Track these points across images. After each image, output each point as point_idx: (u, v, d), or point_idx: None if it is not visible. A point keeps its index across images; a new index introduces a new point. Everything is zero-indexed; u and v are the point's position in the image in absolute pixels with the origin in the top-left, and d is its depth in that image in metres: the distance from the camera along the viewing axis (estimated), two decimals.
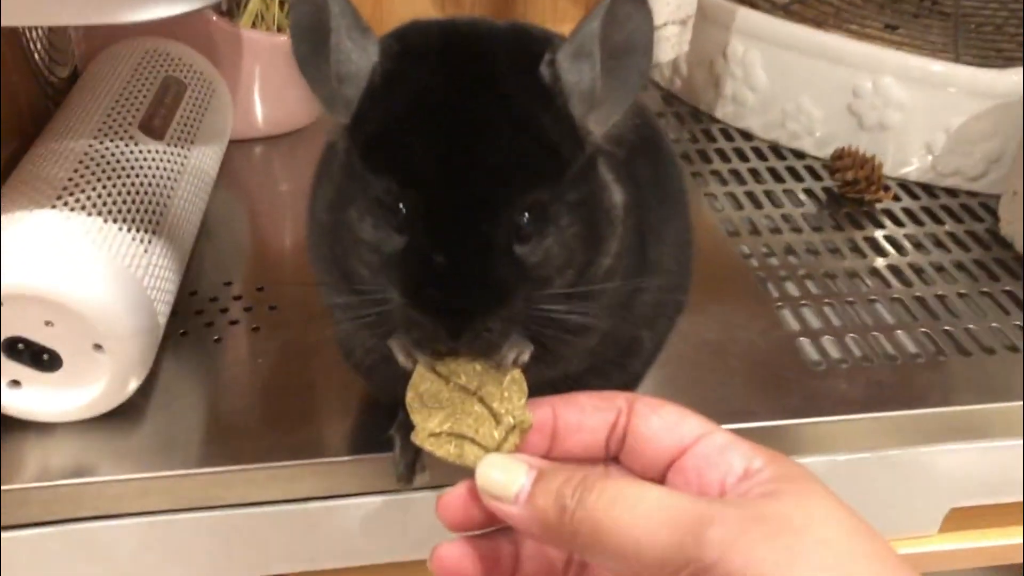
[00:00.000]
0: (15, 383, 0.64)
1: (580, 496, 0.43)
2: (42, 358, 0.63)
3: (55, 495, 0.63)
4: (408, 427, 0.64)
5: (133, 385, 0.66)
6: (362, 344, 0.58)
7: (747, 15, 1.03)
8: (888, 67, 0.95)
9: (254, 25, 1.01)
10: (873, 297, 0.83)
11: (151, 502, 0.64)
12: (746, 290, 0.84)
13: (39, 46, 0.90)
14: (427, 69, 0.45)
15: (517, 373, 0.49)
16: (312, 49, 0.46)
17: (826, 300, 0.82)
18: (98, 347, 0.63)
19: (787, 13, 1.07)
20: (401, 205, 0.44)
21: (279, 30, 1.02)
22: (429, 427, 0.49)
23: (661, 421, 0.48)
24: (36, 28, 0.90)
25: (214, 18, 0.93)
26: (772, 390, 0.72)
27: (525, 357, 0.49)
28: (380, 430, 0.64)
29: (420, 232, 0.44)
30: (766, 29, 1.02)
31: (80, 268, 0.61)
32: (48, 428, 0.66)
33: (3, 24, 0.53)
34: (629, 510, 0.42)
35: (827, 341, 0.78)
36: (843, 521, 0.41)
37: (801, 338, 0.78)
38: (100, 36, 0.92)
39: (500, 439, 0.48)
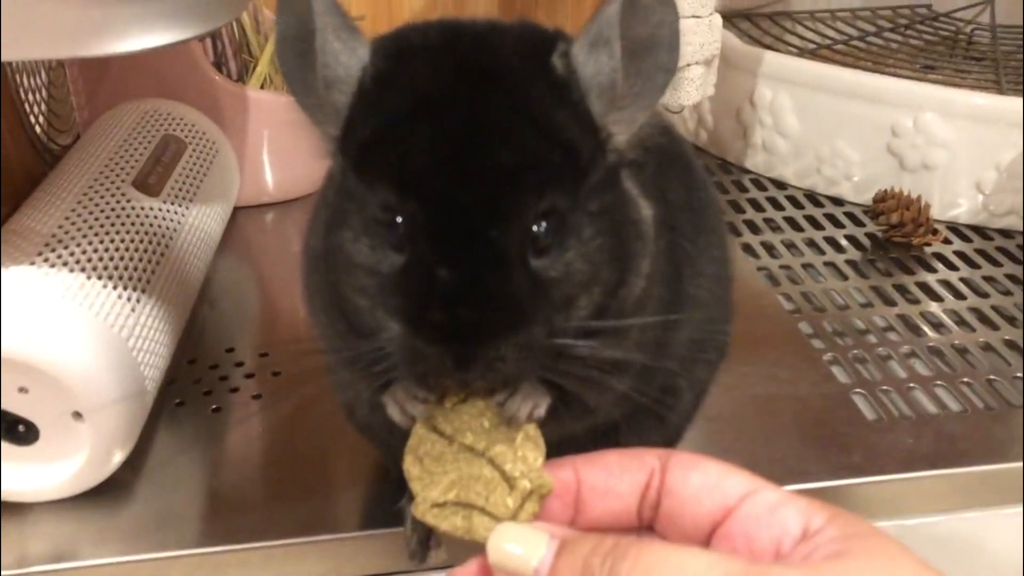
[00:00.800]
0: None
1: (612, 566, 0.36)
2: (17, 430, 0.58)
3: None
4: None
5: (118, 458, 0.60)
6: (363, 399, 0.52)
7: (774, 58, 0.98)
8: (929, 103, 0.89)
9: (263, 87, 0.97)
10: (933, 344, 0.76)
11: None
12: (791, 342, 0.77)
13: (38, 110, 0.86)
14: (424, 65, 0.39)
15: (532, 429, 0.42)
16: (299, 59, 0.41)
17: (879, 350, 0.75)
18: (78, 416, 0.57)
19: (815, 57, 1.02)
20: (399, 219, 0.38)
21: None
22: (432, 496, 0.42)
23: (701, 479, 0.41)
24: (36, 93, 0.87)
25: (216, 78, 0.89)
26: (828, 447, 0.65)
27: (541, 411, 0.42)
28: (391, 503, 0.58)
29: (421, 245, 0.37)
30: (795, 71, 0.97)
31: (57, 327, 0.55)
32: (24, 509, 0.60)
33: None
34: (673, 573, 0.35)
35: (884, 393, 0.70)
36: None
37: (856, 390, 0.70)
38: (102, 102, 0.88)
39: (515, 507, 0.41)
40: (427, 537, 0.56)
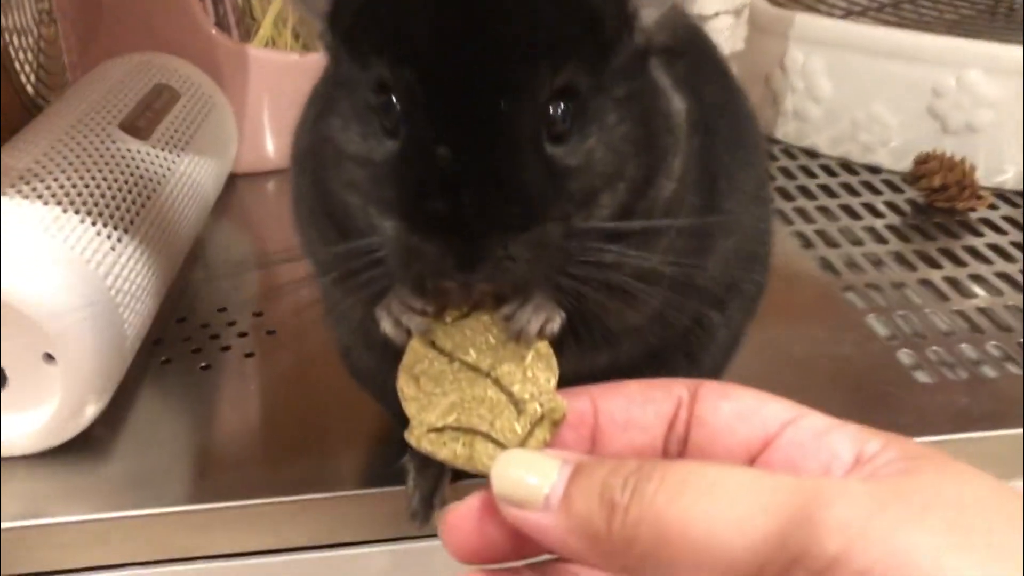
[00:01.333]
0: None
1: (636, 487, 0.30)
2: None
3: None
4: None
5: (92, 410, 0.54)
6: (356, 329, 0.47)
7: (805, 20, 0.93)
8: (974, 60, 0.84)
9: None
10: (983, 305, 0.70)
11: (109, 552, 0.52)
12: (828, 302, 0.71)
13: (29, 68, 0.82)
14: None
15: (544, 347, 0.37)
16: None
17: (925, 310, 0.69)
18: (49, 358, 0.52)
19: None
20: (394, 98, 0.33)
21: None
22: (428, 420, 0.36)
23: (735, 407, 0.35)
24: (27, 52, 0.83)
25: (214, 33, 0.85)
26: (874, 407, 0.59)
27: (555, 326, 0.36)
28: (393, 461, 0.52)
29: (418, 124, 0.32)
30: (828, 32, 0.91)
31: (28, 259, 0.50)
32: None
33: None
34: (707, 496, 0.29)
35: (934, 352, 0.64)
36: (1010, 499, 0.28)
37: (903, 350, 0.64)
38: (95, 59, 0.84)
39: (523, 433, 0.36)
40: (431, 495, 0.51)
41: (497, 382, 0.36)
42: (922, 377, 0.62)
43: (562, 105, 0.33)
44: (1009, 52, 0.83)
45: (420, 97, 0.32)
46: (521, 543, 0.34)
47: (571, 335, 0.38)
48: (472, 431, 0.36)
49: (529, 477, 0.33)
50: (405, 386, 0.37)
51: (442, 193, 0.31)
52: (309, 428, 0.58)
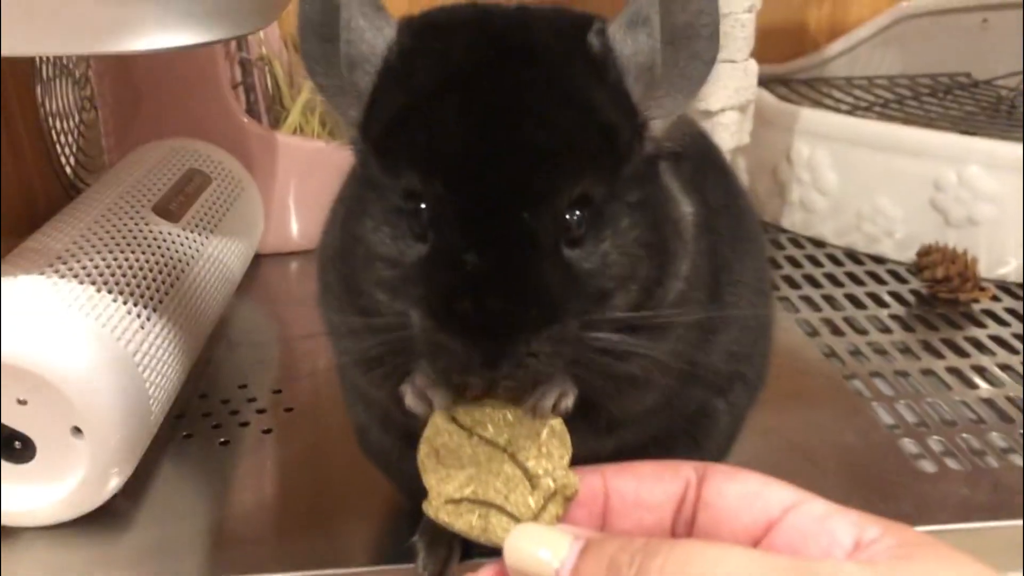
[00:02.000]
0: None
1: (641, 563, 0.32)
2: (13, 445, 0.55)
3: None
4: (434, 530, 0.54)
5: (116, 482, 0.56)
6: (376, 406, 0.49)
7: (811, 114, 0.96)
8: (973, 155, 0.87)
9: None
10: (986, 396, 0.71)
11: None
12: (832, 390, 0.73)
13: (69, 151, 0.87)
14: (454, 40, 0.38)
15: (558, 424, 0.39)
16: (321, 40, 0.39)
17: (928, 399, 0.71)
18: (77, 431, 0.54)
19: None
20: (423, 205, 0.36)
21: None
22: (446, 492, 0.38)
23: (740, 490, 0.37)
24: (68, 135, 0.87)
25: (246, 121, 0.89)
26: (875, 495, 0.60)
27: (569, 402, 0.39)
28: (404, 538, 0.54)
29: (446, 230, 0.35)
30: (834, 127, 0.95)
31: (61, 336, 0.53)
32: (16, 533, 0.56)
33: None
34: (708, 574, 0.30)
35: (936, 442, 0.65)
36: None
37: (905, 439, 0.66)
38: (132, 143, 0.88)
39: (536, 507, 0.38)
40: (441, 572, 0.52)
41: (513, 457, 0.38)
42: (924, 466, 0.63)
43: (578, 212, 0.35)
44: (1008, 149, 0.86)
45: (448, 206, 0.35)
46: None
47: (581, 419, 0.39)
48: (488, 504, 0.38)
49: (541, 551, 0.35)
50: (426, 458, 0.39)
51: (469, 296, 0.34)
52: (323, 505, 0.59)
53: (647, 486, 0.39)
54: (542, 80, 0.36)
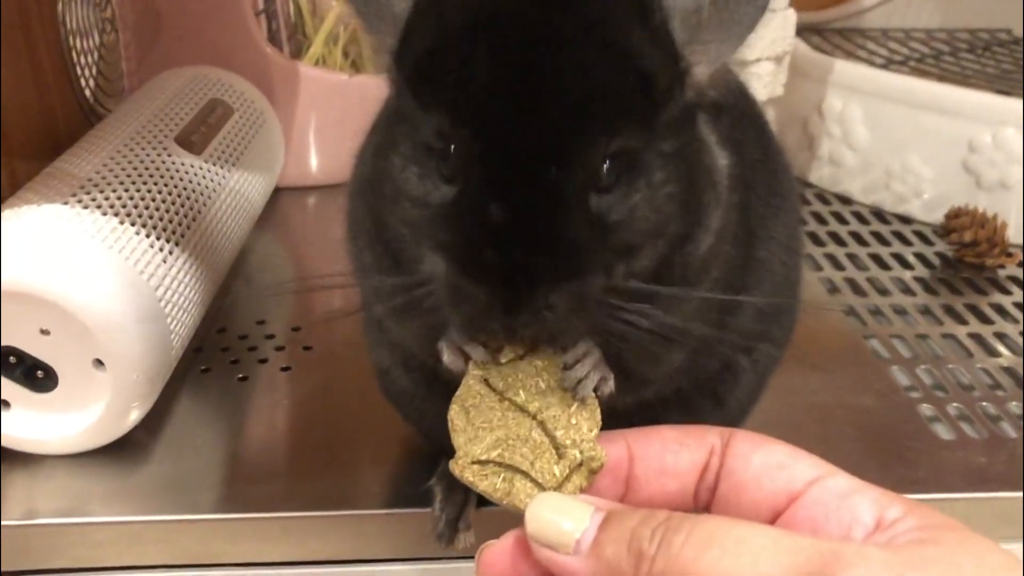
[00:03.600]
0: (4, 404, 0.55)
1: (664, 538, 0.32)
2: (35, 375, 0.55)
3: (27, 538, 0.53)
4: (451, 476, 0.54)
5: (136, 415, 0.57)
6: (400, 348, 0.49)
7: (845, 67, 0.94)
8: (1010, 117, 0.85)
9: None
10: (1008, 365, 0.70)
11: (142, 553, 0.54)
12: (853, 352, 0.72)
13: (89, 73, 0.85)
14: None
15: (591, 397, 0.39)
16: None
17: (950, 365, 0.70)
18: (99, 364, 0.54)
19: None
20: (452, 146, 0.35)
21: None
22: (474, 452, 0.38)
23: (764, 460, 0.37)
24: (88, 56, 0.86)
25: (268, 50, 0.87)
26: (891, 459, 0.60)
27: (609, 387, 0.39)
28: (420, 483, 0.54)
29: (473, 178, 0.34)
30: (868, 81, 0.93)
31: (85, 268, 0.53)
32: (35, 460, 0.57)
33: None
34: (731, 553, 0.31)
35: (955, 409, 0.65)
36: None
37: (924, 405, 0.65)
38: (152, 69, 0.87)
39: (561, 477, 0.38)
40: (456, 518, 0.52)
41: (542, 425, 0.38)
42: (941, 432, 0.63)
43: (608, 162, 0.34)
44: None
45: (476, 155, 0.34)
46: None
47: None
48: (513, 468, 0.38)
49: (562, 521, 0.35)
50: (456, 417, 0.39)
51: (492, 245, 0.33)
52: (340, 445, 0.60)
53: (672, 453, 0.39)
54: (580, 21, 0.34)
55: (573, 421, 0.38)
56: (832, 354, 0.72)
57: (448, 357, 0.39)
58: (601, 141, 0.34)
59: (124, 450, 0.58)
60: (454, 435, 0.39)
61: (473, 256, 0.34)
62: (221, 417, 0.62)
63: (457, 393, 0.39)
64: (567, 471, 0.37)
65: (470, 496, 0.53)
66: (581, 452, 0.37)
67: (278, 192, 0.91)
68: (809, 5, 1.11)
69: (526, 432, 0.38)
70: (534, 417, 0.38)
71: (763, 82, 0.82)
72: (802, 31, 1.08)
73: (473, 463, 0.38)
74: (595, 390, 0.38)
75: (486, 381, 0.39)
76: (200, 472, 0.57)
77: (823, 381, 0.68)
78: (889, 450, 0.61)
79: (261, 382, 0.66)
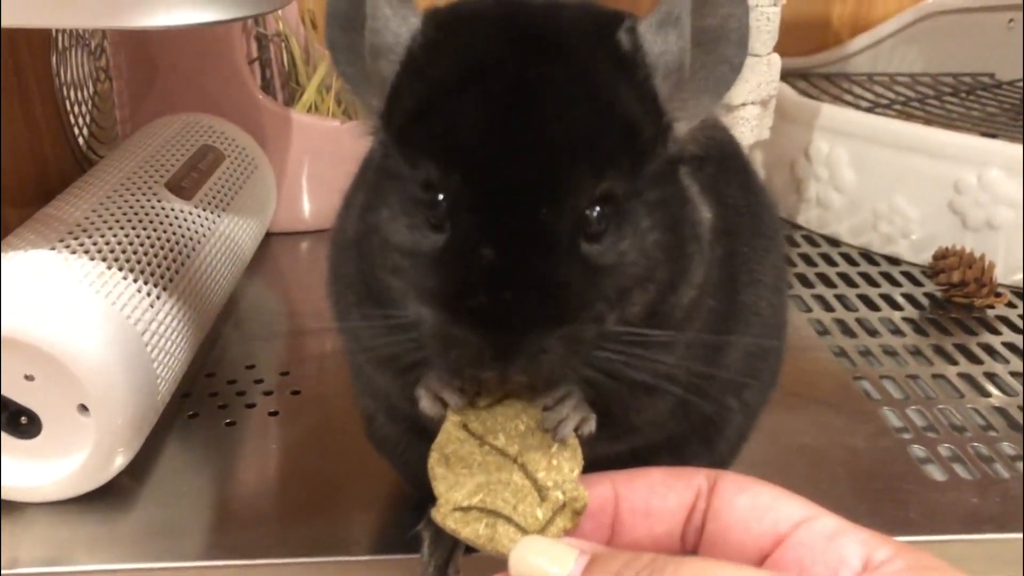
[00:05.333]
0: None
1: None
2: (19, 421, 0.54)
3: None
4: None
5: (120, 460, 0.56)
6: (382, 408, 0.49)
7: (831, 111, 0.95)
8: (995, 159, 0.85)
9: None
10: (999, 405, 0.70)
11: None
12: (843, 393, 0.72)
13: (83, 122, 0.86)
14: (478, 33, 0.37)
15: (571, 438, 0.38)
16: (346, 33, 0.39)
17: (940, 406, 0.70)
18: (83, 409, 0.54)
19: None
20: (441, 197, 0.35)
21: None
22: (455, 499, 0.38)
23: (751, 502, 0.37)
24: (82, 105, 0.86)
25: (260, 98, 0.88)
26: (883, 501, 0.60)
27: (590, 427, 0.39)
28: (408, 528, 0.53)
29: (463, 224, 0.34)
30: (853, 124, 0.94)
31: (70, 312, 0.53)
32: (19, 508, 0.56)
33: (3, 25, 0.47)
34: None
35: (947, 449, 0.65)
36: None
37: (915, 446, 0.65)
38: (145, 116, 0.88)
39: (544, 520, 0.37)
40: (445, 564, 0.52)
41: (523, 468, 0.38)
42: (933, 473, 0.62)
43: (599, 208, 0.35)
44: None
45: (466, 200, 0.34)
46: None
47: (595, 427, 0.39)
48: (496, 513, 0.37)
49: (547, 564, 0.34)
50: (436, 465, 0.38)
51: (484, 290, 0.33)
52: (328, 490, 0.59)
53: (658, 495, 0.38)
54: (566, 75, 0.35)
55: (554, 463, 0.37)
56: (822, 395, 0.72)
57: (426, 403, 0.39)
58: (588, 184, 0.34)
59: (109, 497, 0.57)
60: (435, 483, 0.38)
61: (464, 301, 0.34)
62: (208, 463, 0.62)
63: (436, 440, 0.39)
64: (550, 513, 0.37)
65: (458, 542, 0.53)
66: (563, 493, 0.37)
67: (270, 237, 0.92)
68: (794, 50, 1.13)
69: (507, 476, 0.38)
70: (515, 460, 0.38)
71: (749, 126, 0.83)
72: (788, 76, 1.10)
73: (455, 510, 0.38)
74: (576, 430, 0.38)
75: (465, 426, 0.39)
76: (187, 518, 0.57)
77: (813, 422, 0.68)
78: (880, 491, 0.61)
79: (249, 427, 0.65)
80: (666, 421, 0.44)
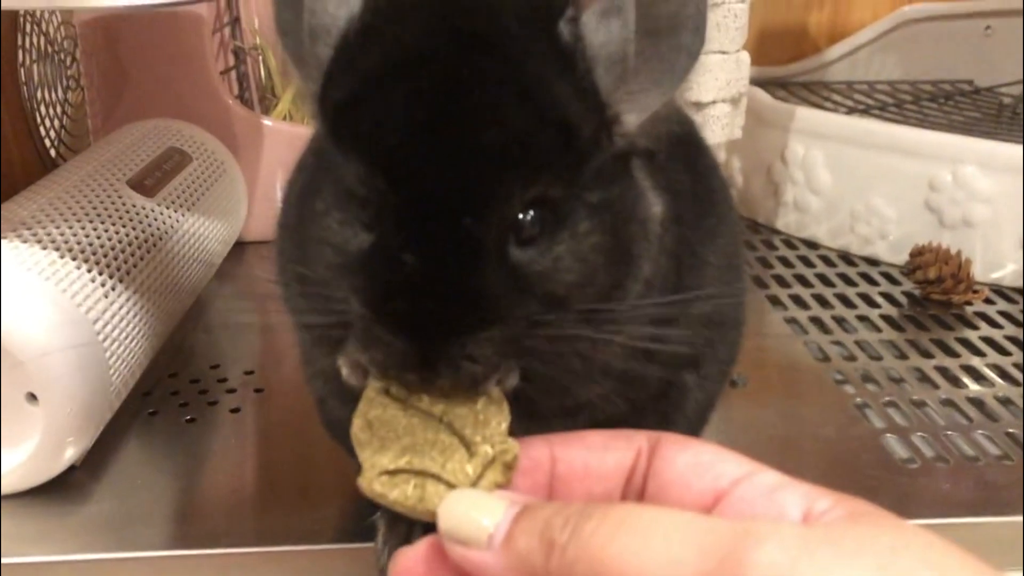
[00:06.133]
0: None
1: (575, 526, 0.31)
2: None
3: None
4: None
5: (71, 453, 0.55)
6: (332, 377, 0.48)
7: (806, 113, 0.95)
8: (969, 156, 0.85)
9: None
10: (974, 396, 0.69)
11: None
12: (817, 386, 0.71)
13: (50, 124, 0.86)
14: (411, 21, 0.35)
15: (495, 391, 0.37)
16: (292, 11, 0.37)
17: (914, 397, 0.69)
18: (31, 397, 0.52)
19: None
20: (368, 193, 0.34)
21: None
22: (381, 463, 0.36)
23: (691, 459, 0.36)
24: (52, 108, 0.86)
25: (231, 103, 0.88)
26: (855, 489, 0.57)
27: (513, 380, 0.37)
28: (366, 516, 0.52)
29: (388, 227, 0.34)
30: (828, 126, 0.93)
31: (16, 298, 0.52)
32: None
33: None
34: (642, 535, 0.29)
35: (920, 438, 0.64)
36: (946, 552, 0.29)
37: (888, 435, 0.64)
38: (117, 122, 0.87)
39: (474, 475, 0.36)
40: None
41: (450, 426, 0.37)
42: (905, 461, 0.61)
43: (532, 212, 0.34)
44: (1005, 149, 0.85)
45: (391, 203, 0.33)
46: None
47: (525, 407, 0.38)
48: (424, 473, 0.36)
49: (476, 516, 0.33)
50: (360, 432, 0.37)
51: (405, 296, 0.33)
52: (288, 483, 0.58)
53: (596, 455, 0.37)
54: (499, 72, 0.34)
55: (481, 418, 0.36)
56: (796, 389, 0.71)
57: (347, 371, 0.37)
58: (517, 191, 0.33)
59: (63, 491, 0.56)
60: (359, 450, 0.37)
61: (386, 304, 0.33)
62: (167, 458, 0.61)
63: (359, 407, 0.37)
64: (480, 469, 0.36)
65: (414, 528, 0.52)
66: (492, 447, 0.36)
67: (244, 246, 0.91)
68: (772, 59, 1.13)
69: (433, 435, 0.36)
70: (440, 419, 0.37)
71: (720, 124, 0.82)
72: (767, 85, 1.10)
73: (382, 474, 0.36)
74: (499, 383, 0.36)
75: (387, 391, 0.37)
76: (143, 511, 0.55)
77: (786, 414, 0.66)
78: (852, 479, 0.60)
79: (210, 424, 0.64)
80: (606, 401, 0.43)
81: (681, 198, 0.44)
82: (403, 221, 0.33)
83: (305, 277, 0.39)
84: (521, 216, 0.34)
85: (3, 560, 0.51)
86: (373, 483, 0.36)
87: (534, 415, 0.38)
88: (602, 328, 0.37)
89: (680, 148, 0.48)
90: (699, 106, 0.81)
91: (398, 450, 0.37)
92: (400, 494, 0.36)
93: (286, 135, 0.91)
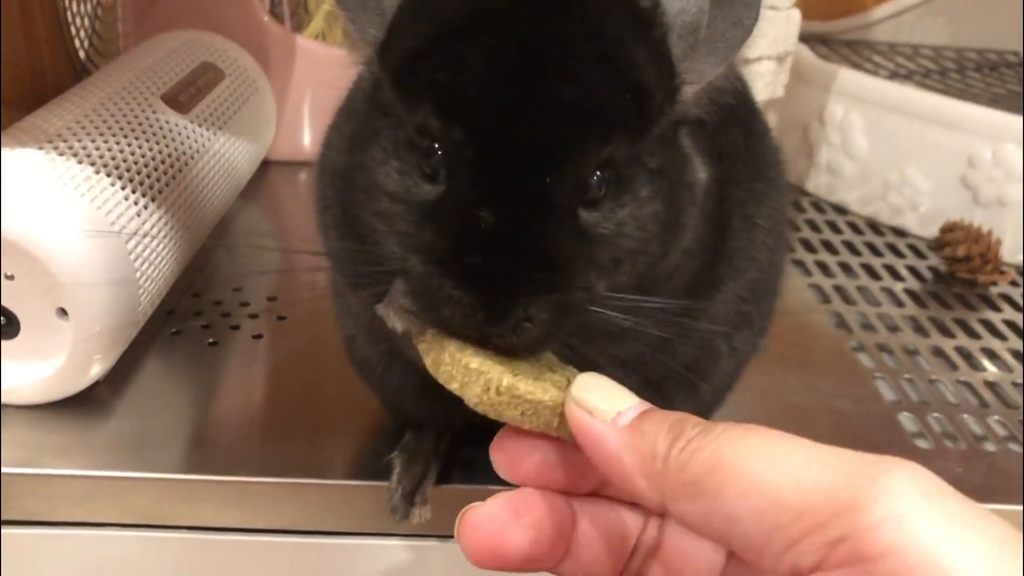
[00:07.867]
0: None
1: (706, 427, 0.31)
2: None
3: None
4: (412, 448, 0.53)
5: (97, 369, 0.55)
6: (362, 327, 0.48)
7: (848, 75, 0.93)
8: (1011, 134, 0.83)
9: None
10: (992, 380, 0.69)
11: (92, 510, 0.53)
12: (836, 357, 0.71)
13: (84, 34, 0.84)
14: None
15: (550, 355, 0.37)
16: None
17: (932, 376, 0.69)
18: (62, 312, 0.53)
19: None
20: (437, 146, 0.33)
21: None
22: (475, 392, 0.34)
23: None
24: (84, 18, 0.85)
25: (266, 19, 0.86)
26: None
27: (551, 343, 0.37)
28: (382, 454, 0.53)
29: (462, 181, 0.33)
30: (870, 90, 0.92)
31: (53, 213, 0.52)
32: None
33: None
34: (769, 442, 0.29)
35: (935, 419, 0.64)
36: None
37: (903, 412, 0.64)
38: (148, 32, 0.86)
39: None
40: (412, 493, 0.51)
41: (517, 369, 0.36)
42: (919, 441, 0.61)
43: (598, 173, 0.34)
44: None
45: (467, 156, 0.33)
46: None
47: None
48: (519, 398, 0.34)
49: (611, 393, 0.33)
50: (443, 377, 0.35)
51: (480, 251, 0.32)
52: (307, 414, 0.58)
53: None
54: (581, 30, 0.33)
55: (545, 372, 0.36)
56: (815, 359, 0.71)
57: (394, 319, 0.36)
58: (594, 150, 0.33)
59: (85, 405, 0.57)
60: (451, 385, 0.35)
61: (458, 260, 0.32)
62: (187, 380, 0.61)
63: (429, 358, 0.36)
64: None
65: (429, 471, 0.52)
66: (569, 378, 0.34)
67: (269, 166, 0.91)
68: (817, 14, 1.10)
69: (511, 367, 0.34)
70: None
71: (763, 81, 0.81)
72: (809, 40, 1.07)
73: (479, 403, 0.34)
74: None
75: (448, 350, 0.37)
76: (160, 432, 0.56)
77: (804, 384, 0.67)
78: None
79: (231, 348, 0.64)
80: (644, 363, 0.43)
81: (734, 160, 0.44)
82: (481, 176, 0.33)
83: (351, 222, 0.39)
84: (591, 178, 0.34)
85: (25, 470, 0.52)
86: (479, 406, 0.34)
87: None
88: (644, 311, 0.37)
89: (735, 111, 0.47)
90: (744, 62, 0.79)
91: (483, 383, 0.34)
92: (514, 411, 0.34)
93: (318, 55, 0.90)
